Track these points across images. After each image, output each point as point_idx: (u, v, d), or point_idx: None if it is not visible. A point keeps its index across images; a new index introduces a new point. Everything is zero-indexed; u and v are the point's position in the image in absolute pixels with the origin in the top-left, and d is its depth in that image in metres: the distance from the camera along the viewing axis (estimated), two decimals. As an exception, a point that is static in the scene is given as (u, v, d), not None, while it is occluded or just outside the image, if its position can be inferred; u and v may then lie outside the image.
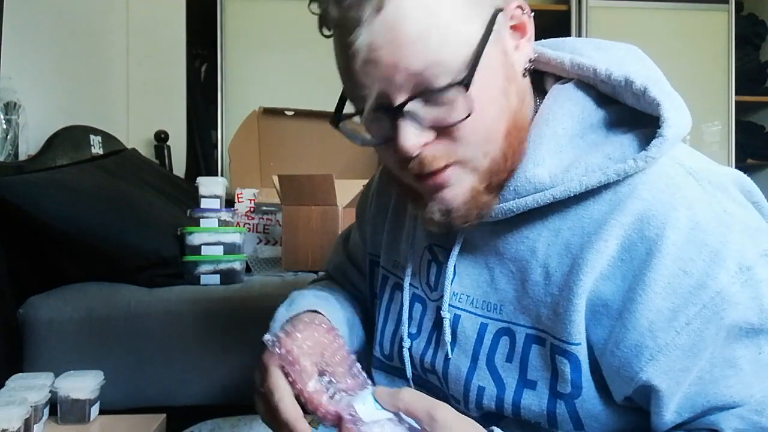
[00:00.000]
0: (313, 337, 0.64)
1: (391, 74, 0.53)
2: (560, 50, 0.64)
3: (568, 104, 0.60)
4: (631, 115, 0.58)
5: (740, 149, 3.07)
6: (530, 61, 0.61)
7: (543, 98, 0.63)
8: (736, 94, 3.01)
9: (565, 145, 0.59)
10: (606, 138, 0.58)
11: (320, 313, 0.72)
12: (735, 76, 3.01)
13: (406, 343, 0.70)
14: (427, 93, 0.54)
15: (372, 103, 0.55)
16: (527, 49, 0.61)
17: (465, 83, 0.53)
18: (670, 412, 0.56)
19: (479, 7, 0.55)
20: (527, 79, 0.62)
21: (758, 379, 0.55)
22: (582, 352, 0.57)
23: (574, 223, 0.58)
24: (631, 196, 0.55)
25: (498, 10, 0.56)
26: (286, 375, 0.60)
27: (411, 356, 0.71)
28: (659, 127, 0.54)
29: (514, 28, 0.59)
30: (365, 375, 0.63)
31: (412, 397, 0.55)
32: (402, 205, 0.76)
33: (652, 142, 0.54)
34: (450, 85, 0.53)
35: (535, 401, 0.60)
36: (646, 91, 0.55)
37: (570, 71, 0.62)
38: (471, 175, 0.58)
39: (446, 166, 0.57)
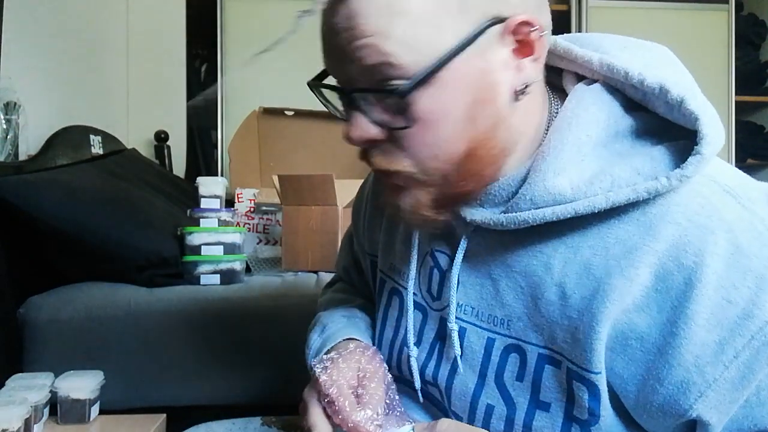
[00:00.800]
0: (358, 367, 0.65)
1: (345, 62, 0.52)
2: (585, 47, 0.59)
3: (593, 108, 0.55)
4: (659, 125, 0.54)
5: (740, 149, 3.08)
6: (527, 85, 0.54)
7: (558, 97, 0.59)
8: (736, 94, 3.01)
9: (588, 154, 0.54)
10: (632, 148, 0.54)
11: (358, 339, 0.72)
12: (735, 76, 3.01)
13: (413, 352, 0.66)
14: (372, 91, 0.52)
15: (335, 82, 0.56)
16: (530, 70, 0.54)
17: (404, 94, 0.50)
18: None
19: (462, 14, 0.50)
20: (535, 94, 0.56)
21: None
22: (602, 381, 0.53)
23: (596, 242, 0.53)
24: (664, 219, 0.51)
25: (493, 22, 0.51)
26: (329, 404, 0.60)
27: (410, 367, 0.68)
28: (696, 144, 0.49)
29: (518, 45, 0.53)
30: (402, 408, 0.63)
31: (449, 429, 0.55)
32: None
33: (689, 159, 0.49)
34: (390, 91, 0.51)
35: (547, 424, 0.56)
36: (684, 103, 0.51)
37: (597, 72, 0.57)
38: (416, 188, 0.55)
39: (396, 172, 0.55)
